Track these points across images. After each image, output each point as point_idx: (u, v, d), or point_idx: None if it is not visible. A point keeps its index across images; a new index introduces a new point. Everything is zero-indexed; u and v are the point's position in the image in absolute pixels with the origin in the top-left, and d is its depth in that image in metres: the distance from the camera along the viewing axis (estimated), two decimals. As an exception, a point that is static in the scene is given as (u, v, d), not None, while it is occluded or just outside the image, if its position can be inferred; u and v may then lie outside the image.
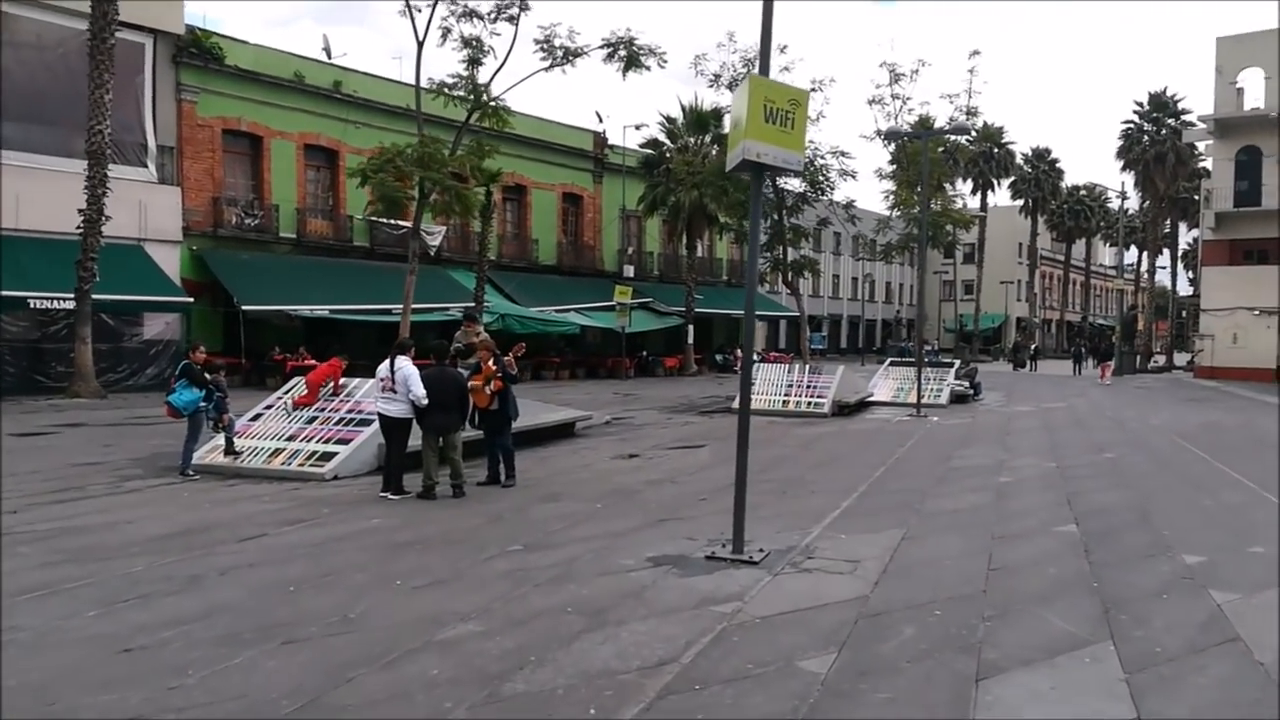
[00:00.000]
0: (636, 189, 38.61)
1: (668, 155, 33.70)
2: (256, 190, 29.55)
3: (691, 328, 38.86)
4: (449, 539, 7.88)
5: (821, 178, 29.49)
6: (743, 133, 7.09)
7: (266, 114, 29.19)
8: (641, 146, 38.59)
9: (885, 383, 25.27)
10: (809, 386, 21.28)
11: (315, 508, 9.17)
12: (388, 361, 9.79)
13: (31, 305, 22.14)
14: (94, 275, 21.63)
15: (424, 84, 25.02)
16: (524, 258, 37.08)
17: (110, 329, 23.94)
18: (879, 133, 32.16)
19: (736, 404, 22.17)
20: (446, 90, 24.64)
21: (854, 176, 31.71)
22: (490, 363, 10.53)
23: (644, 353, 38.93)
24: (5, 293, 21.43)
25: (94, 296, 21.92)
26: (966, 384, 25.64)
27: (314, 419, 11.92)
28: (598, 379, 35.04)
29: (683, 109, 36.98)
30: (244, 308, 26.26)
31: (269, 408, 12.42)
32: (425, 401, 9.62)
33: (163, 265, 25.91)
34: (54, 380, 22.39)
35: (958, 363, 28.62)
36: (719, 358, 42.36)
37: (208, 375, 10.92)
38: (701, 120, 36.14)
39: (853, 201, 31.37)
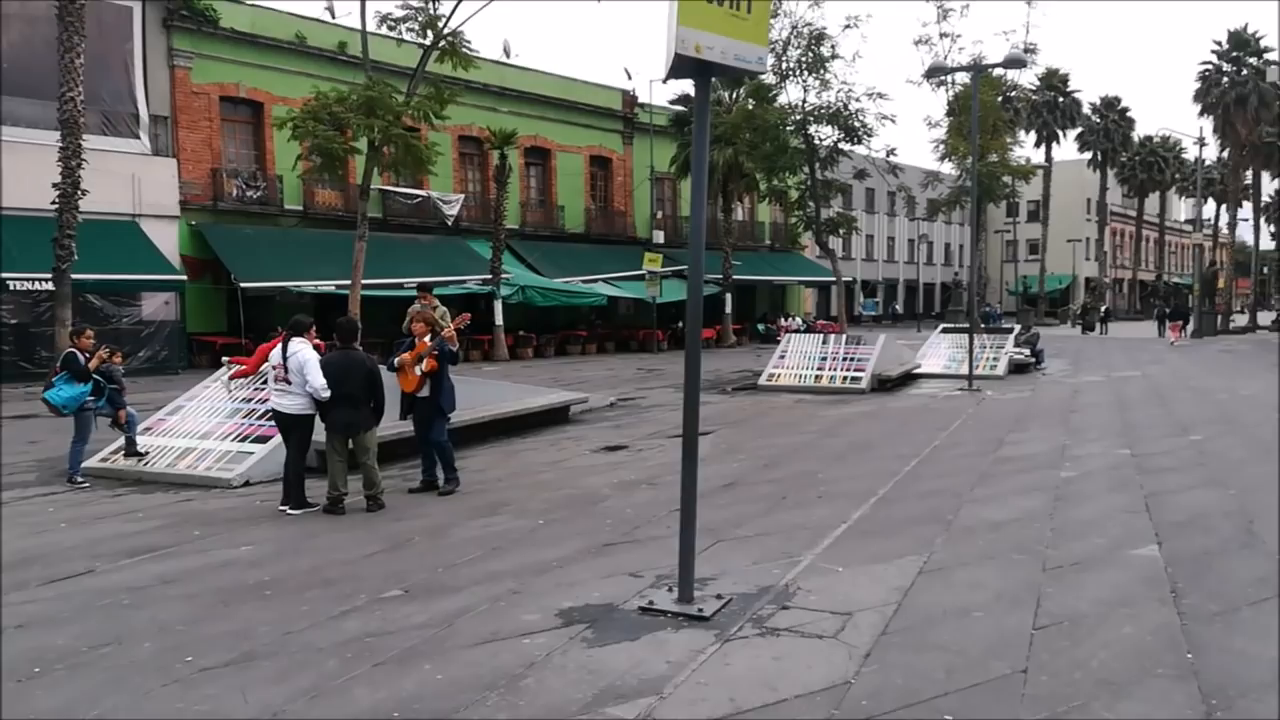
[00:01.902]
0: (668, 149, 36.33)
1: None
2: (259, 160, 28.02)
3: (729, 296, 36.64)
4: (314, 579, 6.03)
5: (857, 122, 26.84)
6: (677, 18, 5.01)
7: (267, 79, 27.57)
8: (672, 103, 36.21)
9: (936, 352, 22.85)
10: (846, 359, 19.03)
11: (188, 528, 7.41)
12: (280, 344, 7.95)
13: (12, 287, 20.90)
14: (72, 254, 20.18)
15: (373, 23, 22.83)
16: (549, 225, 35.15)
17: (100, 310, 22.69)
18: (926, 75, 29.33)
19: (766, 380, 20.29)
20: (392, 24, 21.67)
21: (893, 120, 28.90)
22: (426, 338, 8.63)
23: (678, 324, 36.81)
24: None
25: (76, 276, 20.57)
26: (1027, 351, 23.10)
27: (238, 410, 10.18)
28: (628, 352, 33.09)
29: (715, 61, 34.45)
30: (242, 285, 24.80)
31: (192, 399, 10.72)
32: (326, 394, 7.77)
33: (159, 242, 24.58)
34: (39, 365, 21.16)
35: (1017, 328, 26.01)
36: (760, 328, 40.07)
37: (96, 365, 9.20)
38: (735, 73, 33.66)
39: (893, 150, 28.68)
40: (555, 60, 78.63)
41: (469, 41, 22.26)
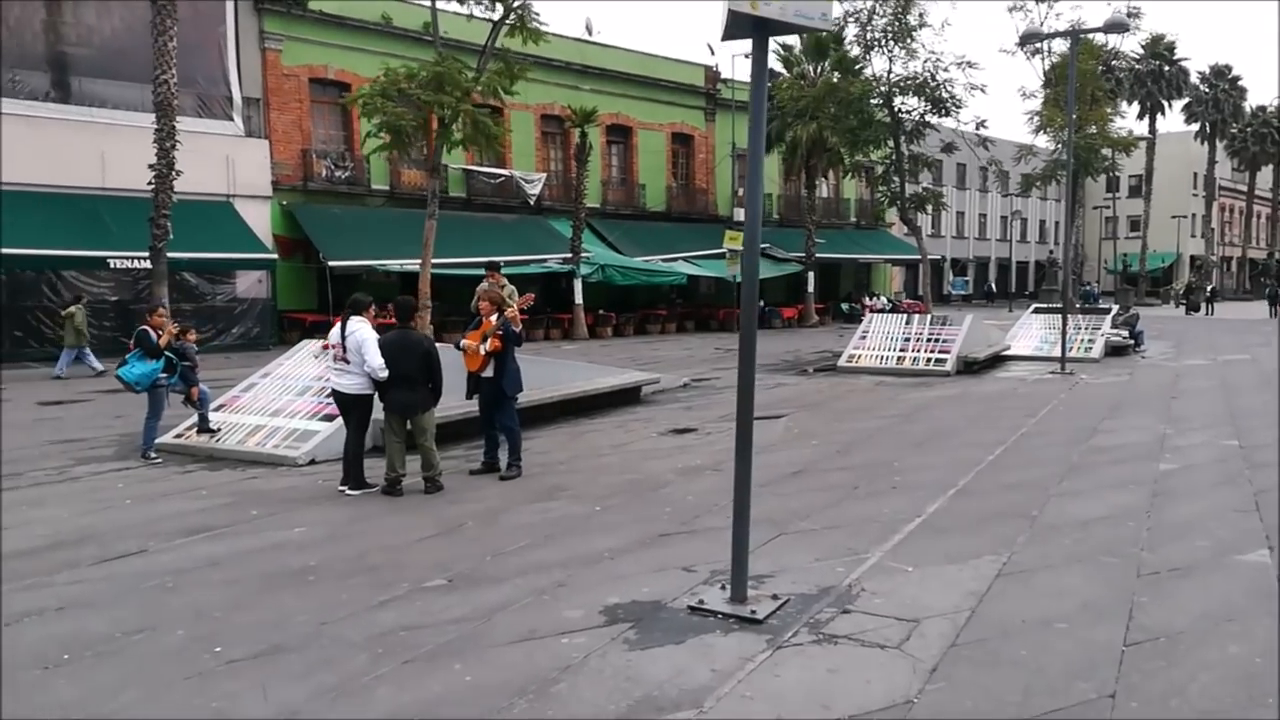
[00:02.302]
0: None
1: (785, 87, 30.59)
2: (347, 141, 28.41)
3: (812, 275, 35.80)
4: (360, 565, 5.89)
5: (945, 94, 25.64)
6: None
7: (354, 60, 27.86)
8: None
9: (1027, 333, 21.83)
10: (930, 340, 18.27)
11: (247, 508, 7.39)
12: (339, 323, 7.85)
13: (111, 265, 21.62)
14: (167, 233, 20.79)
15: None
16: (630, 204, 34.86)
17: (195, 288, 23.38)
18: (1020, 42, 27.87)
19: (846, 360, 19.60)
20: None
21: (983, 91, 27.49)
22: (492, 317, 8.44)
23: (760, 303, 36.19)
24: (83, 252, 20.98)
25: (172, 255, 21.17)
26: (1125, 333, 21.86)
27: (308, 389, 10.19)
28: (707, 332, 32.65)
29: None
30: (330, 264, 25.21)
31: (266, 376, 10.80)
32: (384, 374, 7.65)
33: (252, 221, 25.10)
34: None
35: (1115, 308, 24.67)
36: (845, 307, 39.11)
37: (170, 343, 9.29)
38: (820, 45, 32.61)
39: (983, 122, 27.30)
40: (637, 37, 77.61)
41: (538, 14, 22.10)
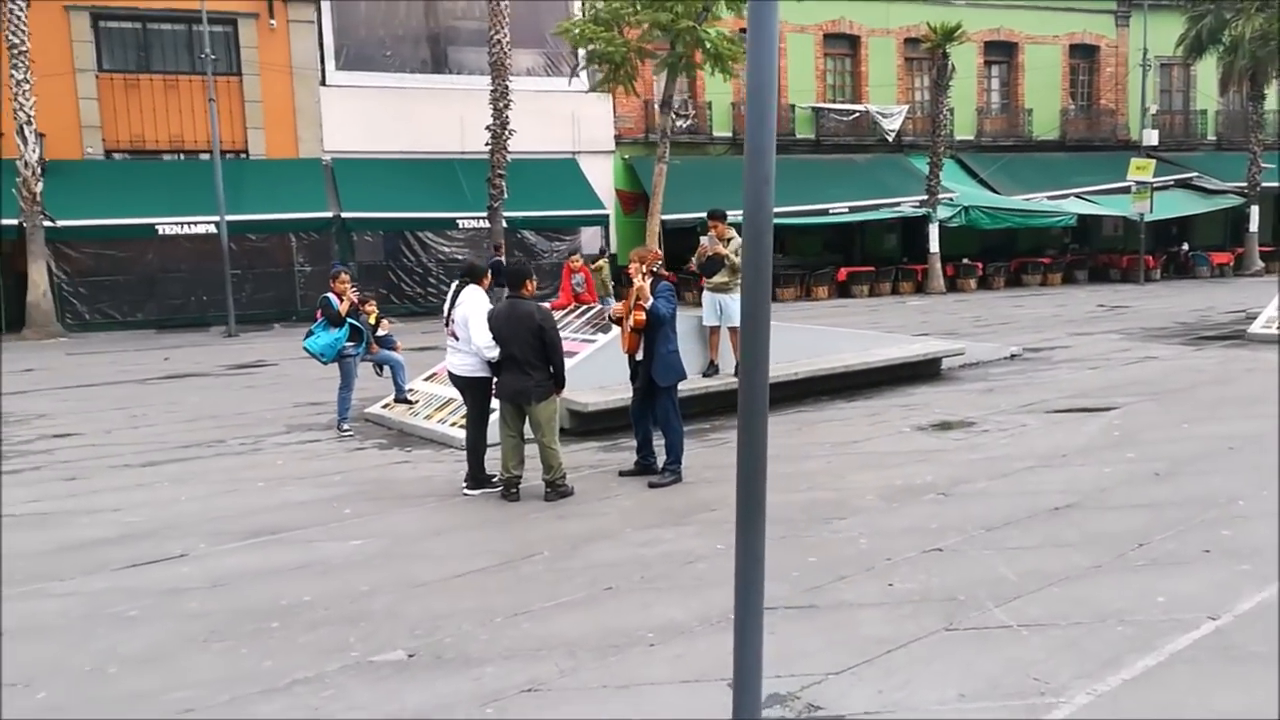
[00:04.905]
0: (1173, 25, 28.83)
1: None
2: (689, 88, 27.56)
3: (1256, 210, 28.45)
4: (351, 610, 4.65)
5: None
6: None
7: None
8: (1180, -34, 28.47)
9: None
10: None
11: (353, 502, 6.55)
12: (451, 292, 6.65)
13: (459, 225, 22.89)
14: (503, 192, 21.52)
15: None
16: (1012, 133, 30.11)
17: (534, 246, 24.09)
18: None
19: (1260, 328, 14.34)
20: None
21: None
22: (641, 280, 6.79)
23: (1182, 246, 29.63)
24: (436, 214, 22.40)
25: (509, 214, 21.93)
26: None
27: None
28: (1103, 283, 27.31)
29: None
30: (663, 217, 24.64)
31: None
32: (491, 353, 6.34)
33: (593, 177, 25.30)
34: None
35: None
36: (1306, 250, 30.78)
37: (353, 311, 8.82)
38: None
39: None
40: None
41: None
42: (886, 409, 9.47)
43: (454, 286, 6.71)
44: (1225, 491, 6.24)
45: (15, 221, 18.38)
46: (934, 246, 25.33)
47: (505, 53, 21.31)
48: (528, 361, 6.26)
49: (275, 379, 12.73)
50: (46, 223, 18.41)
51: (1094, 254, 29.62)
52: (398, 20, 24.02)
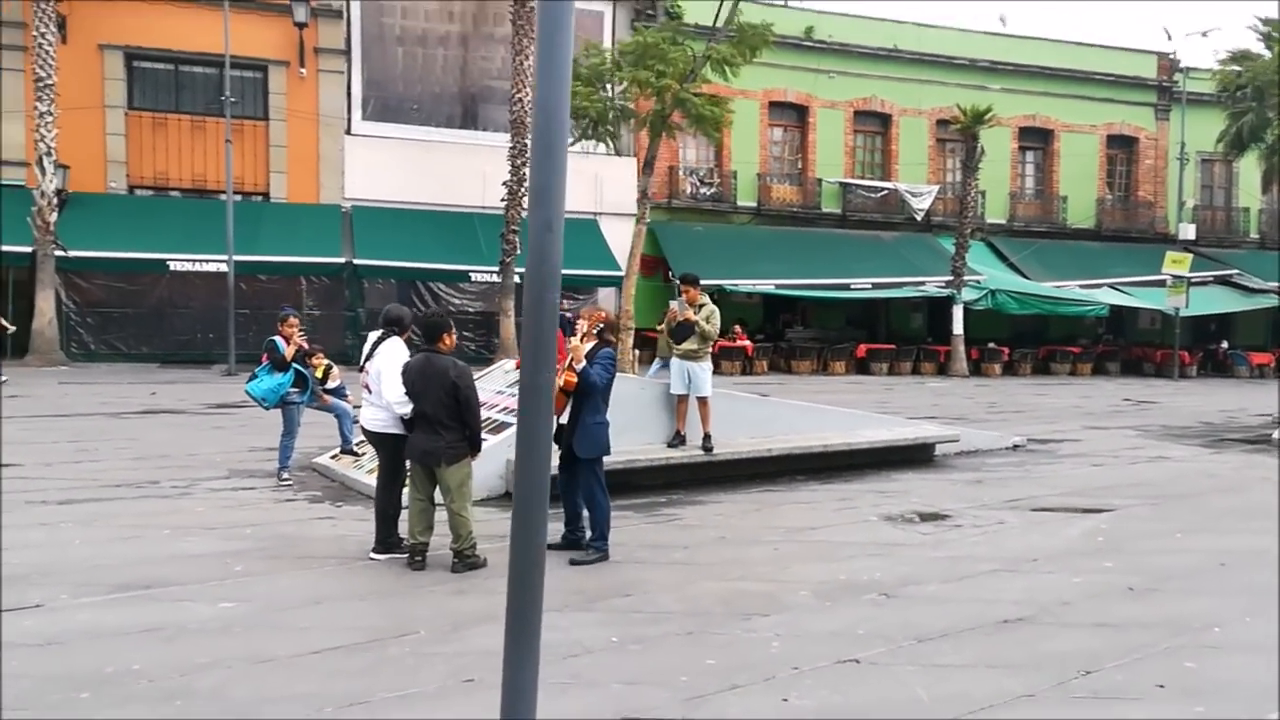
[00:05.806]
0: (1214, 121, 28.29)
1: (1263, 65, 23.71)
2: (715, 156, 27.49)
3: (1298, 311, 27.55)
4: (166, 688, 4.16)
5: None
6: None
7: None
8: (1222, 64, 27.95)
9: None
10: None
11: (247, 560, 6.08)
12: (371, 341, 6.25)
13: (471, 279, 22.76)
14: (515, 248, 21.36)
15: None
16: (1046, 219, 29.60)
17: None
18: None
19: None
20: None
21: None
22: (583, 338, 6.34)
23: (1221, 344, 28.65)
24: (448, 266, 22.27)
25: (521, 270, 21.73)
26: None
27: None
28: (1137, 376, 26.43)
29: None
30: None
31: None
32: (403, 410, 5.91)
33: (613, 239, 25.12)
34: (490, 351, 22.80)
35: None
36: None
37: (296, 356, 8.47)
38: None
39: None
40: (1061, 28, 65.70)
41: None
42: (860, 494, 8.85)
43: (374, 336, 6.30)
44: (1204, 615, 5.56)
45: (30, 249, 18.54)
46: (957, 328, 24.69)
47: (526, 111, 21.34)
48: (439, 420, 5.81)
49: (246, 420, 12.37)
50: (59, 252, 18.53)
51: (1128, 346, 28.76)
52: (425, 74, 24.29)
